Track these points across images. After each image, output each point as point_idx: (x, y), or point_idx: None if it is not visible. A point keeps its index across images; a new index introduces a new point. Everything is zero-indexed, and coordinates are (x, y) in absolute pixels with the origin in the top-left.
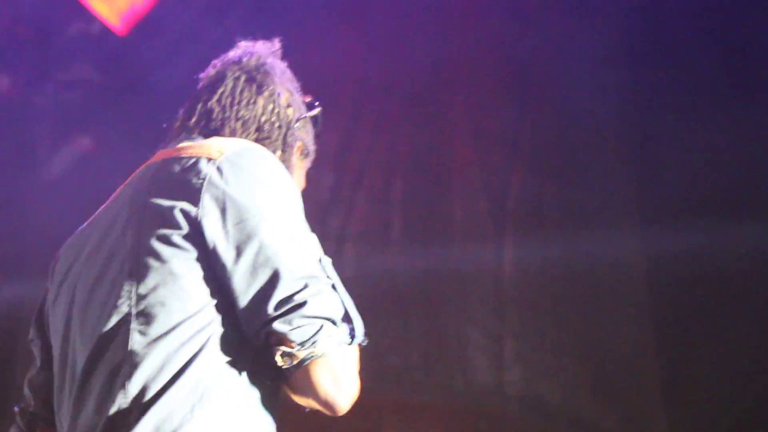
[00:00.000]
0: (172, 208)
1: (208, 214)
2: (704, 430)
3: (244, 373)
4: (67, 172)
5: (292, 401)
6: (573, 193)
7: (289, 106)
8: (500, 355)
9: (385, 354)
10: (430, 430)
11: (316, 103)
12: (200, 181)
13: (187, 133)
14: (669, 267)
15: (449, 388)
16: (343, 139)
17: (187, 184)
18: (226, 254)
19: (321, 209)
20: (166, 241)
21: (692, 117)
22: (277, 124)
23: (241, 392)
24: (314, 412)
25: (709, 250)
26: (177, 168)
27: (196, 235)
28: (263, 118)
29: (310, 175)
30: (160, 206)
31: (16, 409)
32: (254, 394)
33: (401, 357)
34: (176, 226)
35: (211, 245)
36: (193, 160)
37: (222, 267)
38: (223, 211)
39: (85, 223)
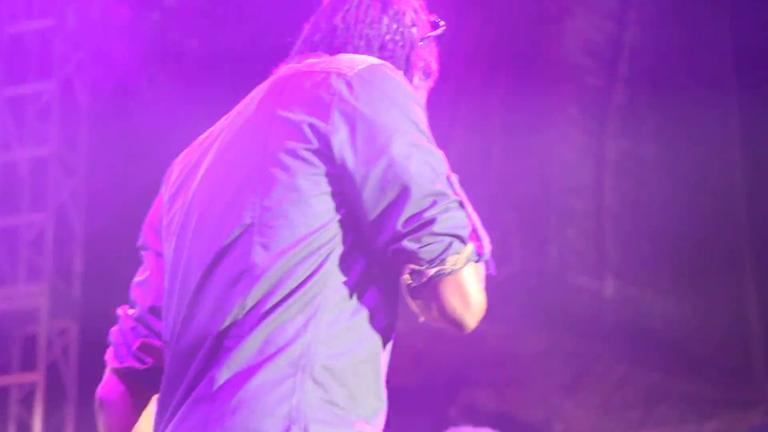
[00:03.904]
0: (301, 122)
1: (337, 129)
2: None
3: (362, 292)
4: None
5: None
6: None
7: (413, 25)
8: None
9: None
10: None
11: (441, 23)
12: (330, 96)
13: (311, 49)
14: None
15: None
16: None
17: (316, 99)
18: (355, 170)
19: None
20: (294, 154)
21: None
22: (400, 44)
23: (357, 310)
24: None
25: None
26: (307, 83)
27: (325, 151)
28: (387, 37)
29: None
30: (289, 120)
31: (119, 311)
32: (371, 312)
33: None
34: (305, 140)
35: (339, 161)
36: (322, 76)
37: (350, 183)
38: (353, 127)
39: (204, 134)
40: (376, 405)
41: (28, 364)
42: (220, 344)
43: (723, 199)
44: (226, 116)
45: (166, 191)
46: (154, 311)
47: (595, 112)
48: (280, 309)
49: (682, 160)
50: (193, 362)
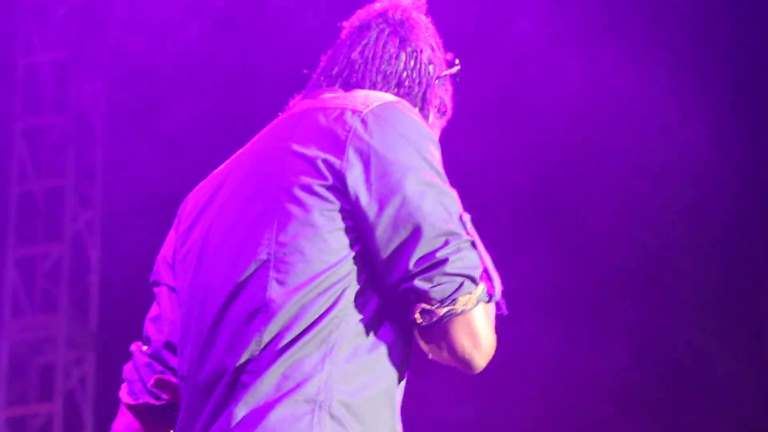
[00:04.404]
0: (315, 158)
1: (352, 166)
2: None
3: (377, 328)
4: None
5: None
6: None
7: (430, 63)
8: None
9: None
10: None
11: (456, 61)
12: (345, 133)
13: (329, 83)
14: None
15: None
16: None
17: (331, 135)
18: (369, 207)
19: None
20: (309, 190)
21: None
22: (417, 81)
23: (373, 346)
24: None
25: None
26: (322, 119)
27: (339, 187)
28: (404, 74)
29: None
30: (304, 155)
31: (132, 348)
32: (386, 348)
33: None
34: (320, 176)
35: (353, 197)
36: (338, 112)
37: (363, 220)
38: (367, 165)
39: (218, 169)
40: None
41: (45, 394)
42: (237, 380)
43: (741, 230)
44: (239, 150)
45: (179, 226)
46: (169, 347)
47: None
48: (297, 345)
49: None
50: (211, 398)
